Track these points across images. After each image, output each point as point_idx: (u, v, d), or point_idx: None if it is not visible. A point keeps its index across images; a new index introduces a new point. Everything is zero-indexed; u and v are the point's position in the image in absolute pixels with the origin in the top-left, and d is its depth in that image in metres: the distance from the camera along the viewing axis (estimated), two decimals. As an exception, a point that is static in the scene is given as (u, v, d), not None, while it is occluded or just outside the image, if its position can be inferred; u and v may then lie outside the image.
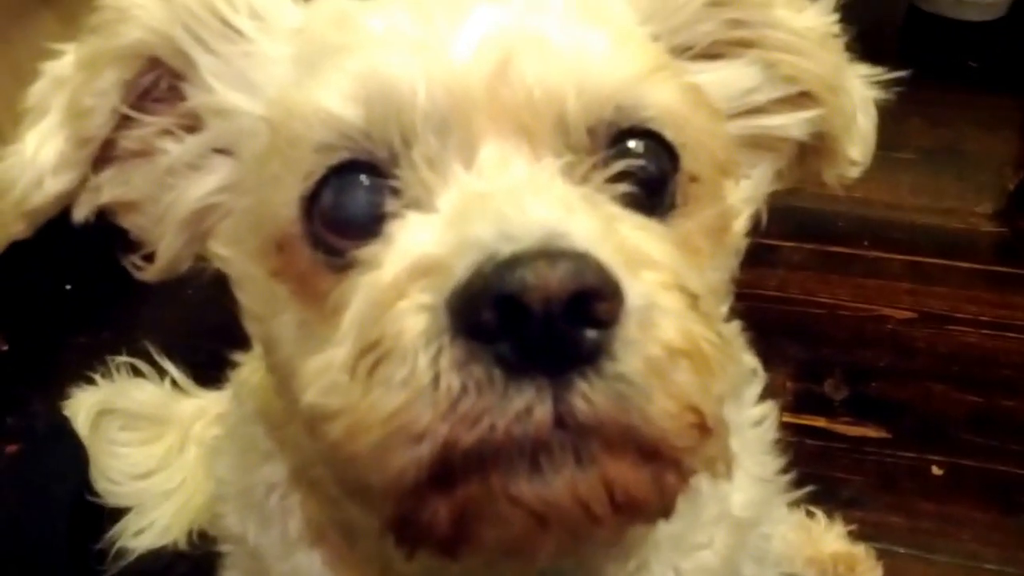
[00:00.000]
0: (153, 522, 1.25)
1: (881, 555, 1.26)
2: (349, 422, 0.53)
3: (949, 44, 2.34)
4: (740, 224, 0.69)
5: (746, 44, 0.69)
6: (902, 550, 1.29)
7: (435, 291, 0.51)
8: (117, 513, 1.26)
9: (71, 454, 1.27)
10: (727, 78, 0.69)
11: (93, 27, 0.66)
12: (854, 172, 0.74)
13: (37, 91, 0.68)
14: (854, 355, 1.57)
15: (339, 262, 0.58)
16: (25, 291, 1.59)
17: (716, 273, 0.64)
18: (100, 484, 1.27)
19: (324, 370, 0.55)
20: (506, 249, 0.50)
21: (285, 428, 0.75)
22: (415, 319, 0.51)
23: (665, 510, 0.56)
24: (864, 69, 0.73)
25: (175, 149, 0.67)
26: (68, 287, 1.62)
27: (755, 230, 0.71)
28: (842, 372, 1.54)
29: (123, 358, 1.36)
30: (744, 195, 0.70)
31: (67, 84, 0.67)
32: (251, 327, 0.68)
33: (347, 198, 0.59)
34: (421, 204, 0.57)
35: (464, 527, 0.53)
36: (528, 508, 0.51)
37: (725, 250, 0.66)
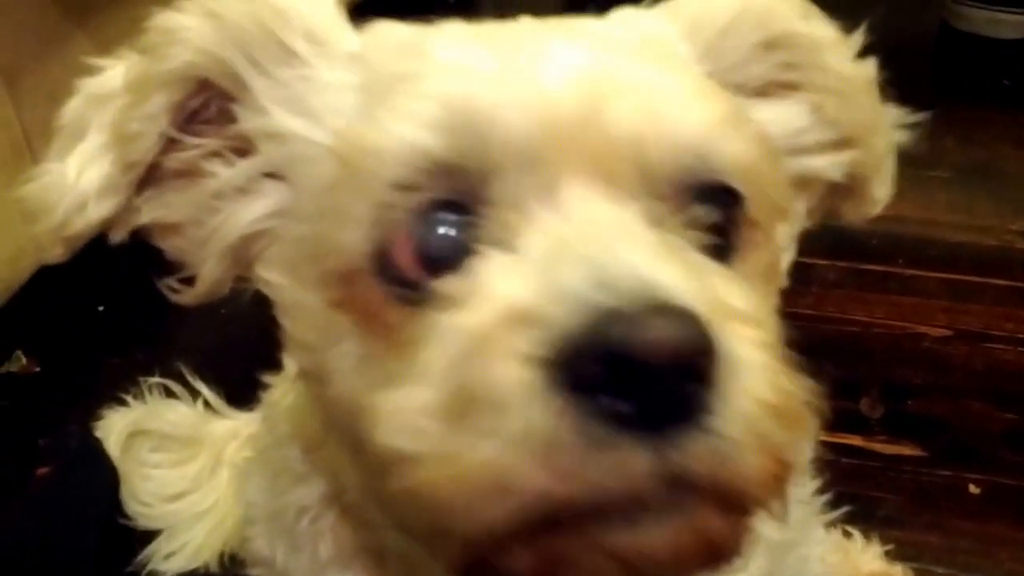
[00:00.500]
0: (185, 544, 1.23)
1: (919, 575, 1.24)
2: (438, 469, 0.52)
3: (983, 62, 2.32)
4: (784, 264, 0.69)
5: (795, 86, 0.69)
6: (940, 570, 1.26)
7: (536, 342, 0.50)
8: (148, 535, 1.25)
9: (102, 476, 1.26)
10: (781, 117, 0.69)
11: (141, 48, 0.64)
12: (875, 210, 0.74)
13: (73, 109, 0.65)
14: (890, 373, 1.54)
15: (413, 295, 0.56)
16: (57, 312, 1.58)
17: (769, 316, 0.62)
18: (131, 506, 1.26)
19: (402, 411, 0.54)
20: (606, 300, 0.50)
21: (319, 451, 0.73)
22: (516, 369, 0.50)
23: (738, 552, 0.56)
24: (895, 112, 0.72)
25: (223, 172, 0.65)
26: (101, 308, 1.62)
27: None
28: (878, 390, 1.51)
29: (156, 379, 1.35)
30: (786, 234, 0.69)
31: (109, 104, 0.64)
32: (299, 356, 0.66)
33: (425, 235, 0.56)
34: (502, 242, 0.55)
35: (546, 573, 0.52)
36: (620, 559, 0.51)
37: (774, 291, 0.65)
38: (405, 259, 0.56)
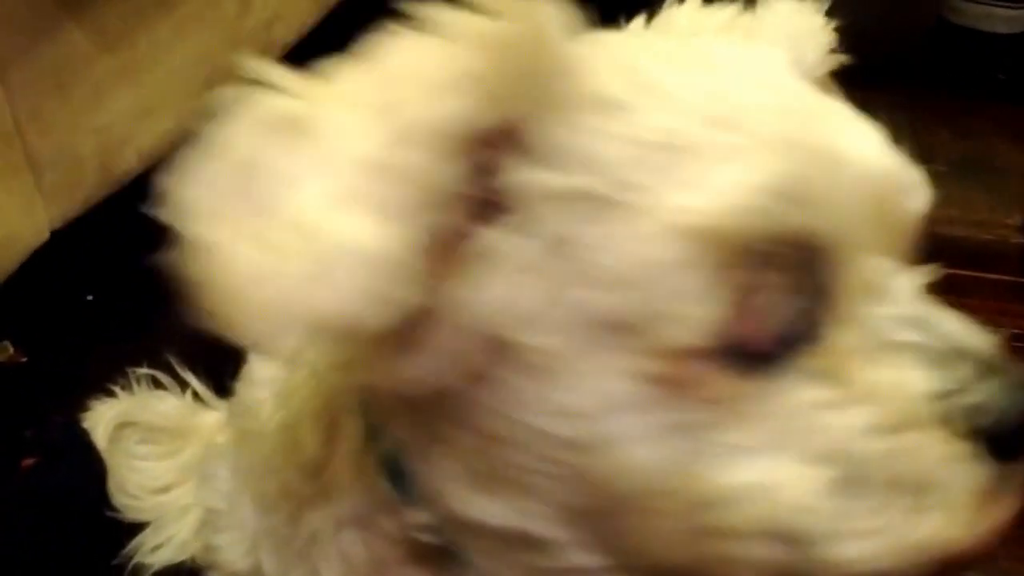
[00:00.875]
0: (171, 537, 1.22)
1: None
2: (856, 546, 0.55)
3: (978, 56, 2.31)
4: None
5: None
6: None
7: (959, 419, 0.55)
8: (135, 528, 1.24)
9: (89, 468, 1.25)
10: None
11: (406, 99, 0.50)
12: None
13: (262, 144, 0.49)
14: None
15: (758, 368, 0.55)
16: (45, 302, 1.57)
17: None
18: (118, 498, 1.25)
19: (775, 487, 0.55)
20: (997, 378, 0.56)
21: (328, 472, 0.71)
22: (942, 446, 0.55)
23: None
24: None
25: (488, 234, 0.55)
26: (89, 298, 1.60)
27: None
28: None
29: (144, 370, 1.34)
30: None
31: (389, 166, 0.49)
32: (553, 422, 0.57)
33: (780, 309, 0.55)
34: (844, 315, 0.56)
35: None
36: None
37: None
38: (756, 334, 0.54)
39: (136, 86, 1.67)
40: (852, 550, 0.55)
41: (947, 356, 0.56)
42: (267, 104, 0.49)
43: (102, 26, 1.60)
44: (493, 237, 0.54)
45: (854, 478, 0.54)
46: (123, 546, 1.23)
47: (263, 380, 0.83)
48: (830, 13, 0.70)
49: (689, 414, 0.55)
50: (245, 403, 0.86)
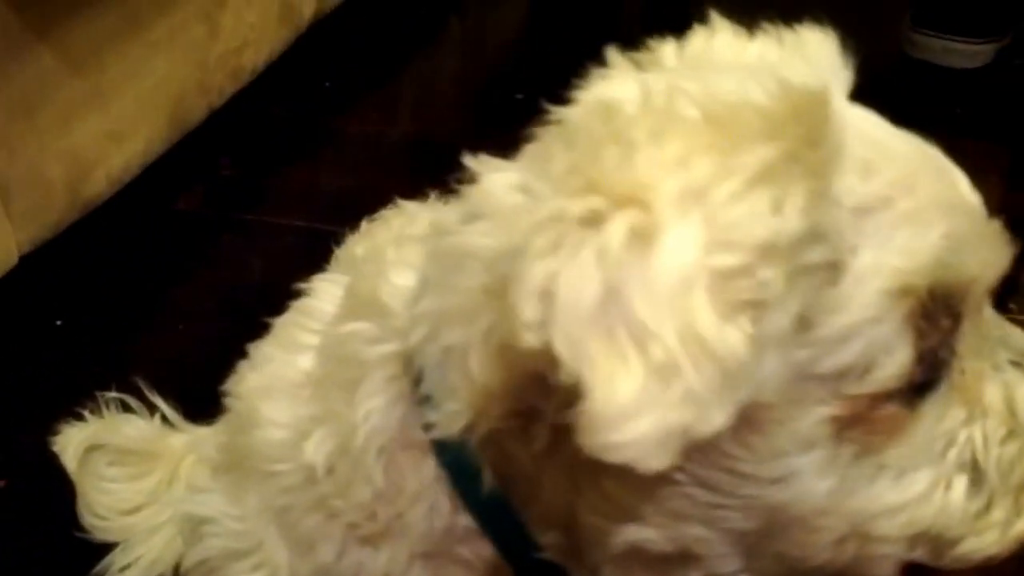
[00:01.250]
0: (140, 557, 1.21)
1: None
2: (985, 539, 0.65)
3: (937, 91, 2.34)
4: None
5: None
6: None
7: None
8: (103, 549, 1.24)
9: (57, 490, 1.25)
10: None
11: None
12: None
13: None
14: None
15: (914, 397, 0.62)
16: (14, 326, 1.57)
17: None
18: (87, 520, 1.24)
19: (926, 499, 0.63)
20: None
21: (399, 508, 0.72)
22: None
23: None
24: None
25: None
26: (58, 323, 1.60)
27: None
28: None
29: (113, 394, 1.34)
30: None
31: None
32: (748, 464, 0.60)
33: (943, 347, 0.62)
34: (971, 341, 0.64)
35: None
36: None
37: None
38: (919, 370, 0.60)
39: (105, 110, 1.67)
40: (977, 543, 0.65)
41: None
42: (609, 230, 0.49)
43: (71, 49, 1.60)
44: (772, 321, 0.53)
45: (980, 482, 0.64)
46: (92, 567, 1.22)
47: (277, 422, 0.79)
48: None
49: (862, 446, 0.61)
50: (252, 446, 0.81)
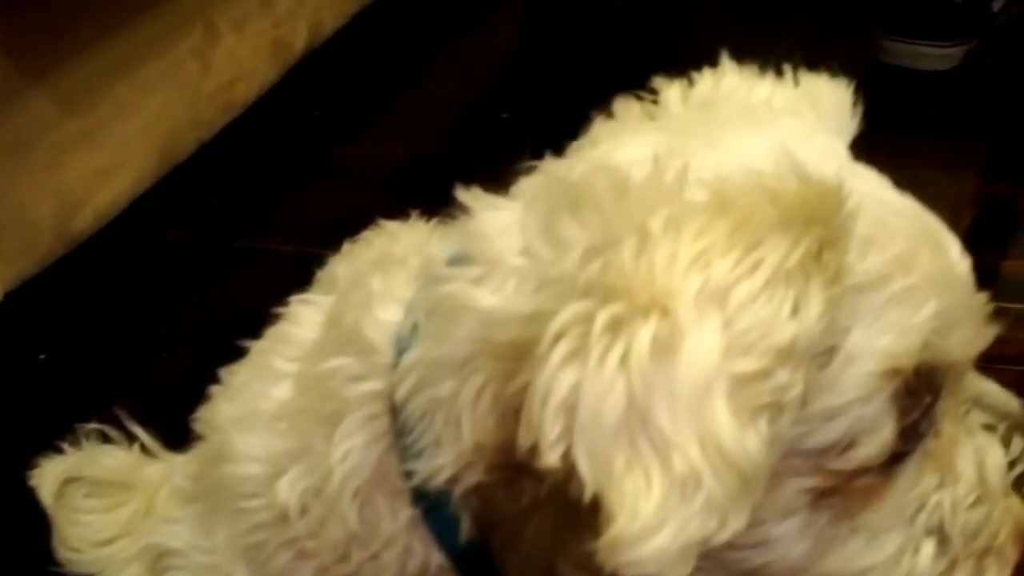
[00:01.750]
0: (114, 588, 1.16)
1: None
2: None
3: (909, 93, 2.30)
4: None
5: None
6: None
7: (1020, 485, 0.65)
8: (77, 582, 1.20)
9: (33, 525, 1.19)
10: None
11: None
12: None
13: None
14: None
15: (888, 467, 0.60)
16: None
17: None
18: (61, 554, 1.19)
19: (896, 562, 0.62)
20: None
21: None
22: (1010, 512, 0.64)
23: None
24: None
25: None
26: (41, 357, 1.55)
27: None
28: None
29: (93, 425, 1.27)
30: None
31: None
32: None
33: (923, 420, 0.61)
34: (949, 406, 0.63)
35: None
36: None
37: None
38: (897, 440, 0.58)
39: (96, 148, 1.64)
40: None
41: (1008, 430, 0.65)
42: (631, 340, 0.47)
43: (64, 90, 1.58)
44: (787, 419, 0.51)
45: (946, 545, 0.63)
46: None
47: (251, 456, 0.74)
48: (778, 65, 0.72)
49: (838, 511, 0.59)
50: (224, 479, 0.76)
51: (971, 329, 0.61)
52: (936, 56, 2.33)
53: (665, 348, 0.46)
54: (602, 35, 2.57)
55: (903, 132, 2.07)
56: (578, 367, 0.47)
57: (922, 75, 2.32)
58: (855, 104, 0.71)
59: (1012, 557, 0.66)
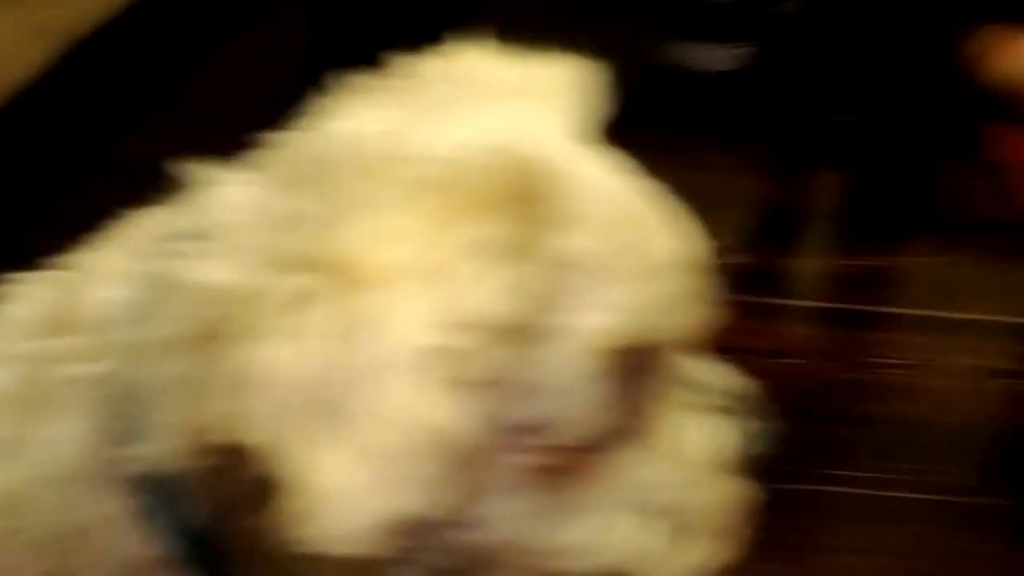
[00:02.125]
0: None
1: None
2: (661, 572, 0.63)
3: (695, 95, 2.37)
4: None
5: None
6: None
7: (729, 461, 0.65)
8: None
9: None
10: None
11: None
12: None
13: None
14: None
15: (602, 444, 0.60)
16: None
17: None
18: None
19: (606, 537, 0.61)
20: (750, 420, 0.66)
21: None
22: (716, 489, 0.64)
23: None
24: None
25: None
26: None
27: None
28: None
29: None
30: None
31: None
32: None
33: (637, 404, 0.61)
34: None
35: None
36: None
37: None
38: (609, 419, 0.58)
39: None
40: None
41: (722, 410, 0.64)
42: (328, 314, 0.46)
43: None
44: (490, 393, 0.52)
45: (653, 520, 0.62)
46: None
47: None
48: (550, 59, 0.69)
49: (555, 489, 0.59)
50: None
51: (683, 312, 0.61)
52: (715, 57, 2.39)
53: (360, 322, 0.46)
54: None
55: (688, 133, 2.15)
56: (275, 342, 0.46)
57: (708, 77, 2.38)
58: (607, 90, 0.68)
59: (724, 536, 0.66)
